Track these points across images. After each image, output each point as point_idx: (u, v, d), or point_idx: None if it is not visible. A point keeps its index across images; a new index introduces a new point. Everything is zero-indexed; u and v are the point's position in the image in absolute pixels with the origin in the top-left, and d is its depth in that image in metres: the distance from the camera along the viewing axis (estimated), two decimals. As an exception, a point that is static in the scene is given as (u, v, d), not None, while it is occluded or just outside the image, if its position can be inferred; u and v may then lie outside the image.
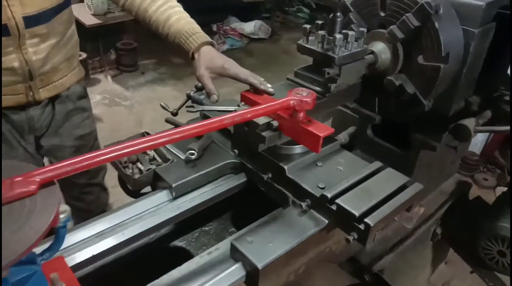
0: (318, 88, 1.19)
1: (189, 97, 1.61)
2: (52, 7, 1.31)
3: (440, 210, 1.86)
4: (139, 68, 4.89)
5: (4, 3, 1.19)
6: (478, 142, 3.58)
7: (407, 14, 1.21)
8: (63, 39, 1.43)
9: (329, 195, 1.06)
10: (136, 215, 1.15)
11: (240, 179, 1.30)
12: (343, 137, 1.78)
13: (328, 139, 1.32)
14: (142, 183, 1.25)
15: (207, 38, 1.34)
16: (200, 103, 1.64)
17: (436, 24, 1.20)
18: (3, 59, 1.26)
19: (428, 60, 1.25)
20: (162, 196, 1.21)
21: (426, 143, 1.54)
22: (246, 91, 1.14)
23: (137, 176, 1.23)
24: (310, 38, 1.15)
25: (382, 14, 1.32)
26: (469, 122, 1.39)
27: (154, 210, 1.17)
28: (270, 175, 1.21)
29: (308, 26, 1.15)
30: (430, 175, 1.73)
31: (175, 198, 1.21)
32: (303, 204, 1.10)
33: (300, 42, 1.17)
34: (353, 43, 1.12)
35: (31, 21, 1.27)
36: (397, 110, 1.42)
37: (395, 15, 1.28)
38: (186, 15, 1.40)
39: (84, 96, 1.69)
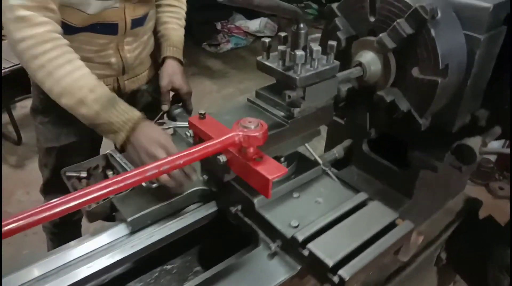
0: (281, 113, 1.03)
1: (165, 112, 1.53)
2: (150, 10, 1.52)
3: (445, 233, 1.68)
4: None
5: (121, 5, 1.35)
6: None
7: (398, 20, 1.03)
8: (149, 37, 1.62)
9: (300, 238, 0.90)
10: (86, 254, 1.02)
11: (210, 209, 1.15)
12: (337, 151, 1.61)
13: (310, 163, 1.15)
14: (97, 215, 1.12)
15: (181, 56, 1.61)
16: (173, 118, 1.51)
17: (432, 32, 1.02)
18: (102, 54, 1.43)
19: (424, 73, 1.07)
20: (117, 230, 1.07)
21: (427, 162, 1.36)
22: (194, 118, 0.99)
23: (92, 206, 1.10)
24: (273, 53, 0.98)
25: (372, 19, 1.14)
26: (474, 142, 1.21)
27: (106, 248, 1.03)
28: (239, 207, 1.05)
29: (267, 40, 0.98)
30: (433, 194, 1.55)
31: (132, 233, 1.07)
32: (273, 246, 0.95)
33: (259, 58, 1.01)
34: (320, 60, 0.94)
35: (136, 23, 1.45)
36: (390, 127, 1.24)
37: (387, 21, 1.10)
38: (183, 31, 1.68)
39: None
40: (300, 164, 1.13)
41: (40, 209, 0.57)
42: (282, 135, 1.01)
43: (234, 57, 5.28)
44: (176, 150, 1.11)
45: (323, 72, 0.94)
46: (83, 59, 1.23)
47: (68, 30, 1.28)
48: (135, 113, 1.19)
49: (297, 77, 0.90)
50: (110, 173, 1.27)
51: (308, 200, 1.04)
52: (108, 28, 1.39)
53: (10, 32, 1.12)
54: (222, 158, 0.86)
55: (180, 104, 1.54)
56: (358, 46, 1.18)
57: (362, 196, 1.03)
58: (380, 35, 1.06)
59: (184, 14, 1.70)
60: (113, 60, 1.48)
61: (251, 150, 0.81)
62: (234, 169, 0.87)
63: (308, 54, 0.92)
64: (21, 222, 0.55)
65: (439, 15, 1.05)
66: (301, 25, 0.92)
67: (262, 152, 0.85)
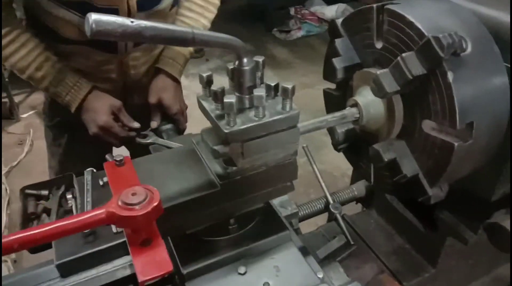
0: (218, 168, 0.78)
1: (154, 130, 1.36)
2: None
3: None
4: (204, 55, 4.68)
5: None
6: None
7: (404, 55, 0.73)
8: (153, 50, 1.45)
9: None
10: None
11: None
12: (357, 189, 1.33)
13: (277, 226, 0.91)
14: (38, 248, 1.00)
15: (177, 73, 1.40)
16: (160, 134, 1.34)
17: (450, 76, 0.70)
18: (103, 68, 1.34)
19: (438, 130, 0.76)
20: (47, 272, 0.95)
21: (456, 230, 1.04)
22: (109, 164, 0.80)
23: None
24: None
25: (379, 45, 0.84)
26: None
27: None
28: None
29: (205, 75, 0.73)
30: (464, 267, 1.20)
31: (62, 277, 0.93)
32: None
33: (199, 95, 0.76)
34: (273, 105, 0.69)
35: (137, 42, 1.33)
36: (396, 191, 0.94)
37: (394, 51, 0.79)
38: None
39: None
40: (262, 224, 0.89)
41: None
42: (212, 200, 0.78)
43: (304, 45, 4.95)
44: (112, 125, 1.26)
45: (271, 124, 0.69)
46: (78, 71, 1.26)
47: (62, 41, 1.22)
48: (83, 90, 1.24)
49: (226, 131, 0.66)
50: (69, 196, 1.15)
51: (254, 280, 0.81)
52: (108, 46, 1.24)
53: None
54: (114, 228, 0.67)
55: (167, 125, 1.36)
56: (359, 78, 0.89)
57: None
58: (378, 72, 0.76)
59: (206, 23, 1.42)
60: (113, 76, 1.34)
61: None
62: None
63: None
64: None
65: (469, 49, 0.73)
66: (244, 60, 0.67)
67: (155, 232, 0.64)
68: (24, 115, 3.61)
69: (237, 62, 0.68)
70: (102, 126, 1.26)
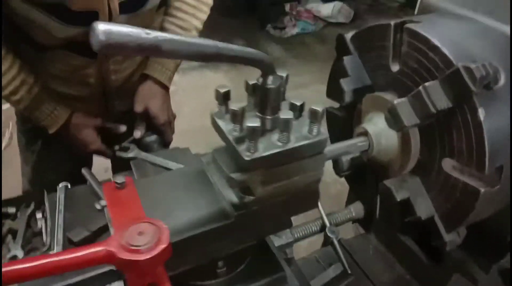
0: (232, 196, 0.68)
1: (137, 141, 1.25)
2: None
3: None
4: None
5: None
6: None
7: (427, 84, 0.63)
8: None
9: None
10: None
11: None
12: (355, 210, 1.23)
13: (271, 266, 0.81)
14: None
15: (166, 79, 1.27)
16: (143, 147, 1.23)
17: (481, 114, 0.60)
18: (81, 72, 1.23)
19: (462, 172, 0.66)
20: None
21: (464, 267, 0.95)
22: (108, 185, 0.69)
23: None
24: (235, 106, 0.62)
25: (395, 68, 0.73)
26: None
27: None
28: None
29: (222, 90, 0.62)
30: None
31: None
32: None
33: (214, 113, 0.65)
34: (298, 129, 0.59)
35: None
36: (405, 231, 0.84)
37: (414, 77, 0.69)
38: None
39: None
40: (256, 264, 0.79)
41: None
42: (224, 232, 0.68)
43: (298, 43, 4.83)
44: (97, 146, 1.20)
45: (297, 150, 0.59)
46: (54, 76, 1.16)
47: (36, 48, 1.10)
48: (60, 118, 1.17)
49: (246, 159, 0.55)
50: (39, 216, 1.03)
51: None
52: (86, 49, 1.12)
53: None
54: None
55: (152, 136, 1.24)
56: (369, 103, 0.78)
57: None
58: (396, 101, 0.66)
59: (197, 25, 1.30)
60: (92, 80, 1.21)
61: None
62: None
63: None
64: None
65: (502, 80, 0.63)
66: (270, 78, 0.57)
67: (163, 277, 0.54)
68: (4, 107, 3.45)
69: (261, 79, 0.57)
70: (93, 152, 1.23)
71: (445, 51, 0.63)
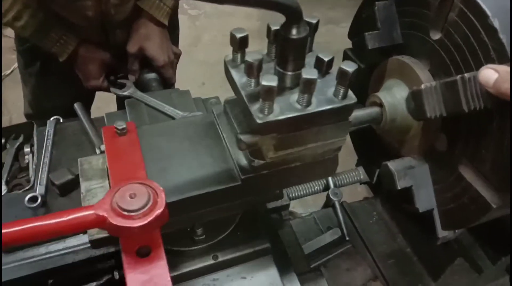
0: (241, 159, 0.60)
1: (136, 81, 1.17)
2: None
3: None
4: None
5: None
6: None
7: (467, 75, 0.49)
8: None
9: None
10: None
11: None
12: (364, 172, 1.16)
13: (255, 237, 0.74)
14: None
15: (163, 17, 1.15)
16: (142, 86, 1.15)
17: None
18: (78, 3, 1.13)
19: (477, 177, 0.55)
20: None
21: (470, 255, 0.88)
22: (108, 129, 0.62)
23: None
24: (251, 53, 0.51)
25: (434, 36, 0.59)
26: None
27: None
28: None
29: (239, 35, 0.51)
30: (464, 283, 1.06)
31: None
32: None
33: (227, 59, 0.54)
34: (322, 91, 0.49)
35: None
36: (399, 204, 0.75)
37: (454, 54, 0.55)
38: None
39: None
40: (238, 234, 0.73)
41: None
42: (225, 196, 0.61)
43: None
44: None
45: (317, 115, 0.49)
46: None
47: None
48: (70, 45, 1.11)
49: (259, 121, 0.47)
50: (27, 150, 1.00)
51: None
52: None
53: None
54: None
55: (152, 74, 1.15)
56: (394, 67, 0.65)
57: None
58: (423, 85, 0.53)
59: None
60: (90, 13, 1.12)
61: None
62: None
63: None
64: None
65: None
66: (294, 30, 0.47)
67: (156, 241, 0.49)
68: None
69: (284, 29, 0.47)
70: (93, 88, 1.18)
71: (503, 39, 0.49)
